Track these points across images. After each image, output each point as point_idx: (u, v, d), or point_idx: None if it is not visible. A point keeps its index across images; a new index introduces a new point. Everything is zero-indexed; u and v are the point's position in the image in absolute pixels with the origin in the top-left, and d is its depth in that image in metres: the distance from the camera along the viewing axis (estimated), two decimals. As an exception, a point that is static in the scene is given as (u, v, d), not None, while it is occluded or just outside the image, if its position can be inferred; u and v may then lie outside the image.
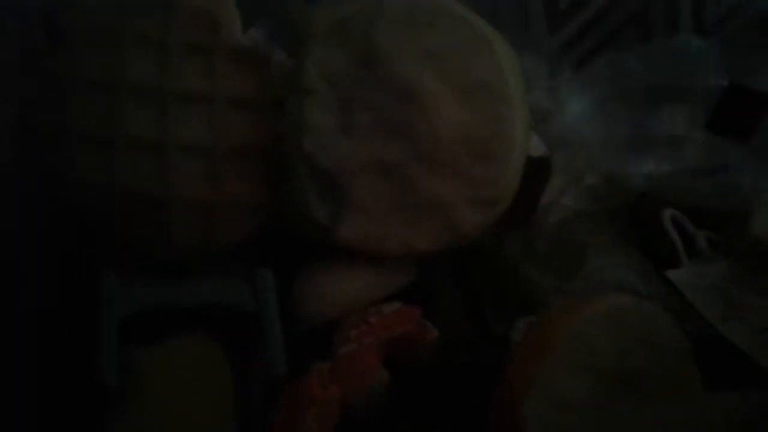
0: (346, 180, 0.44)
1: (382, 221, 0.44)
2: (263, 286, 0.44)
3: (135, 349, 0.40)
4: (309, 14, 0.46)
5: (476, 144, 0.44)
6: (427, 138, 0.44)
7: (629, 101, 0.53)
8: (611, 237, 0.49)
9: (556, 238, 0.49)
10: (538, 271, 0.48)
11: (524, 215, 0.53)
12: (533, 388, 0.37)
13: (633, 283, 0.46)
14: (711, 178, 0.52)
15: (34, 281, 0.42)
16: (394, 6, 0.45)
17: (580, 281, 0.46)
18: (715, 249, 0.48)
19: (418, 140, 0.44)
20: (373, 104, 0.44)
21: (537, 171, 0.51)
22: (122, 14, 0.44)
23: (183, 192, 0.44)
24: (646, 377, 0.40)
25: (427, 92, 0.44)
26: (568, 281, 0.46)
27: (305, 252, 0.47)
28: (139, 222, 0.44)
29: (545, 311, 0.42)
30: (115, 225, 0.43)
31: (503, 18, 0.63)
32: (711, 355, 0.42)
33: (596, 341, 0.38)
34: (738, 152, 0.52)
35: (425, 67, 0.44)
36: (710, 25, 0.65)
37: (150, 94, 0.44)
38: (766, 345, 0.42)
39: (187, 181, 0.44)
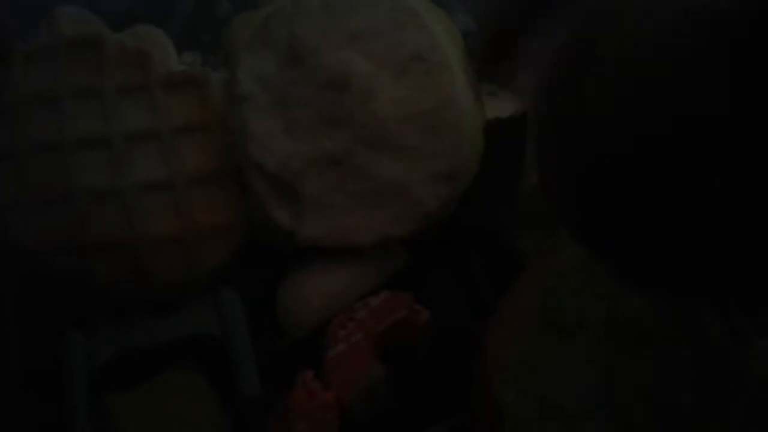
0: (297, 179, 0.43)
1: (344, 214, 0.43)
2: (227, 306, 0.43)
3: (114, 396, 0.40)
4: (233, 24, 0.46)
5: (421, 118, 0.43)
6: (368, 122, 0.43)
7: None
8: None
9: (537, 194, 0.46)
10: (522, 233, 0.46)
11: (509, 178, 0.50)
12: (505, 358, 0.35)
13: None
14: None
15: (11, 351, 0.43)
16: (311, -4, 0.44)
17: (562, 236, 0.43)
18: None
19: (360, 126, 0.43)
20: (308, 99, 0.43)
21: (510, 131, 0.48)
22: (56, 74, 0.45)
23: (152, 231, 0.44)
24: (643, 326, 0.37)
25: (358, 76, 0.43)
26: (551, 238, 0.44)
27: (285, 262, 0.46)
28: (116, 269, 0.44)
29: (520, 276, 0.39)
30: (91, 278, 0.44)
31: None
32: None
33: (567, 296, 0.36)
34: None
35: (352, 51, 0.43)
36: None
37: (98, 144, 0.44)
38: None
39: (153, 219, 0.44)
